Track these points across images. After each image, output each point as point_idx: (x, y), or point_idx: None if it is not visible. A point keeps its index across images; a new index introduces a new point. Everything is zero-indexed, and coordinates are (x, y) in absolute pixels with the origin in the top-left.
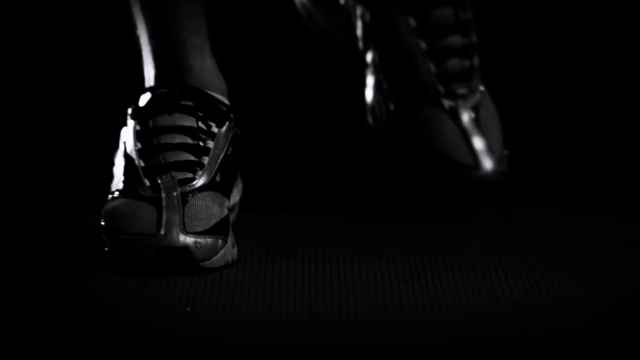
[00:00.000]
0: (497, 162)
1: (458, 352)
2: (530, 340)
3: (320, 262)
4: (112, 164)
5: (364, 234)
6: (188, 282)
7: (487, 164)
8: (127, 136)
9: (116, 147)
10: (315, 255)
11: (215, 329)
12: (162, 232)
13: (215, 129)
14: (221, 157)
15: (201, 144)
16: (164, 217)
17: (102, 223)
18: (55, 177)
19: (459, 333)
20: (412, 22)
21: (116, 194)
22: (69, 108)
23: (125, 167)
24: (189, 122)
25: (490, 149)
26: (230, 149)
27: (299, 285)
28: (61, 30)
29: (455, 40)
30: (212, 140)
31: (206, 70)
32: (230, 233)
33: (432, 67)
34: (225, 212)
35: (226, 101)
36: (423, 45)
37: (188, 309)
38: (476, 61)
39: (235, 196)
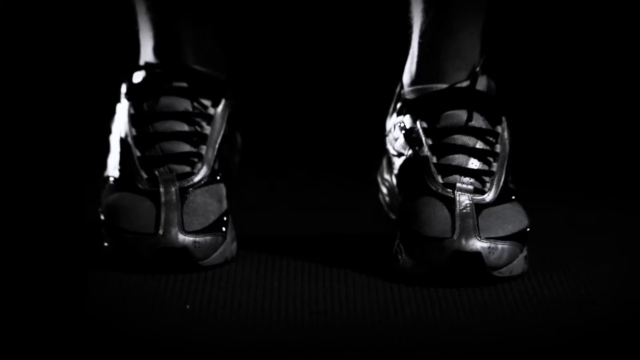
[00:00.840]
0: (489, 244)
1: (458, 351)
2: (530, 338)
3: (321, 260)
4: (109, 131)
5: (364, 231)
6: (188, 279)
7: (467, 238)
8: (121, 117)
9: (110, 125)
10: (315, 252)
11: (215, 327)
12: (161, 232)
13: (211, 110)
14: (219, 140)
15: (198, 129)
16: (163, 216)
17: (102, 218)
18: (51, 157)
19: (460, 331)
20: (424, 124)
21: (111, 180)
22: (63, 85)
23: (121, 154)
24: (185, 105)
25: (480, 231)
26: (227, 126)
27: (299, 283)
28: (55, 8)
29: (464, 139)
30: (209, 124)
31: (203, 42)
32: (230, 227)
33: (434, 160)
34: (225, 206)
35: (222, 76)
36: (429, 142)
37: (187, 306)
38: (496, 168)
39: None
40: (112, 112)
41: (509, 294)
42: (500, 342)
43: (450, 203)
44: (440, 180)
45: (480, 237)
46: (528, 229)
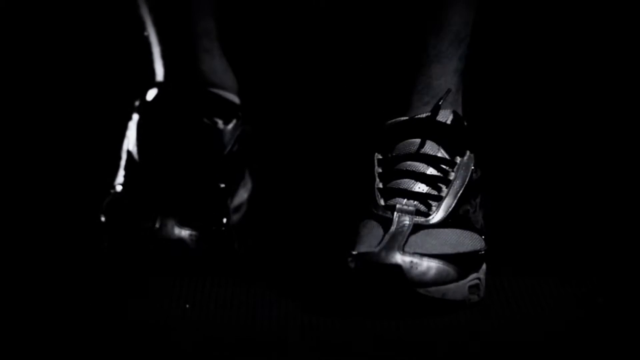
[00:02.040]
0: (412, 259)
1: (458, 351)
2: (530, 338)
3: (320, 259)
4: (119, 157)
5: None
6: (187, 278)
7: (388, 251)
8: (130, 131)
9: (123, 140)
10: (315, 252)
11: (214, 326)
12: (157, 225)
13: (221, 126)
14: (225, 154)
15: (205, 141)
16: (161, 211)
17: (102, 219)
18: (60, 171)
19: (459, 331)
20: (379, 156)
21: (118, 188)
22: (75, 103)
23: (127, 162)
24: (195, 119)
25: (406, 246)
26: (237, 146)
27: (299, 282)
28: (68, 25)
29: (414, 165)
30: (218, 137)
31: (215, 70)
32: (230, 227)
33: (380, 185)
34: (227, 207)
35: (236, 99)
36: (379, 170)
37: (187, 306)
38: (445, 194)
39: (243, 195)
40: (122, 134)
41: (509, 291)
42: (500, 342)
43: (388, 223)
44: (382, 203)
45: (403, 251)
46: (478, 255)
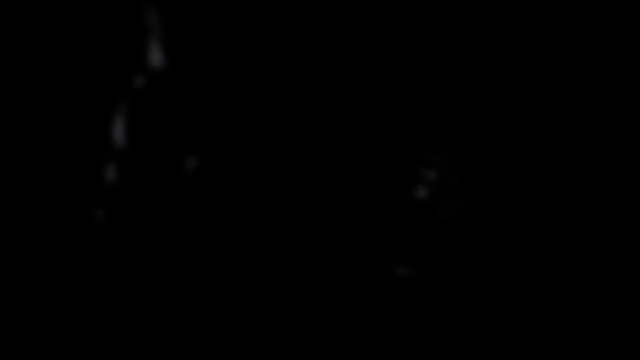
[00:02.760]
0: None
1: (458, 351)
2: (527, 336)
3: (320, 260)
4: (110, 149)
5: (365, 232)
6: (186, 277)
7: (396, 264)
8: (120, 121)
9: (110, 130)
10: (314, 251)
11: (213, 326)
12: (153, 217)
13: (210, 115)
14: (218, 141)
15: (195, 130)
16: (154, 202)
17: (98, 213)
18: (49, 165)
19: (458, 330)
20: (381, 158)
21: (111, 179)
22: (67, 97)
23: (120, 155)
24: (184, 107)
25: (416, 261)
26: (227, 133)
27: (298, 281)
28: (60, 17)
29: (415, 168)
30: (207, 125)
31: (206, 58)
32: None
33: (383, 188)
34: None
35: (224, 87)
36: (382, 173)
37: (186, 304)
38: (447, 197)
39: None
40: (113, 120)
41: (508, 291)
42: (499, 340)
43: (392, 229)
44: (385, 208)
45: (406, 263)
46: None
